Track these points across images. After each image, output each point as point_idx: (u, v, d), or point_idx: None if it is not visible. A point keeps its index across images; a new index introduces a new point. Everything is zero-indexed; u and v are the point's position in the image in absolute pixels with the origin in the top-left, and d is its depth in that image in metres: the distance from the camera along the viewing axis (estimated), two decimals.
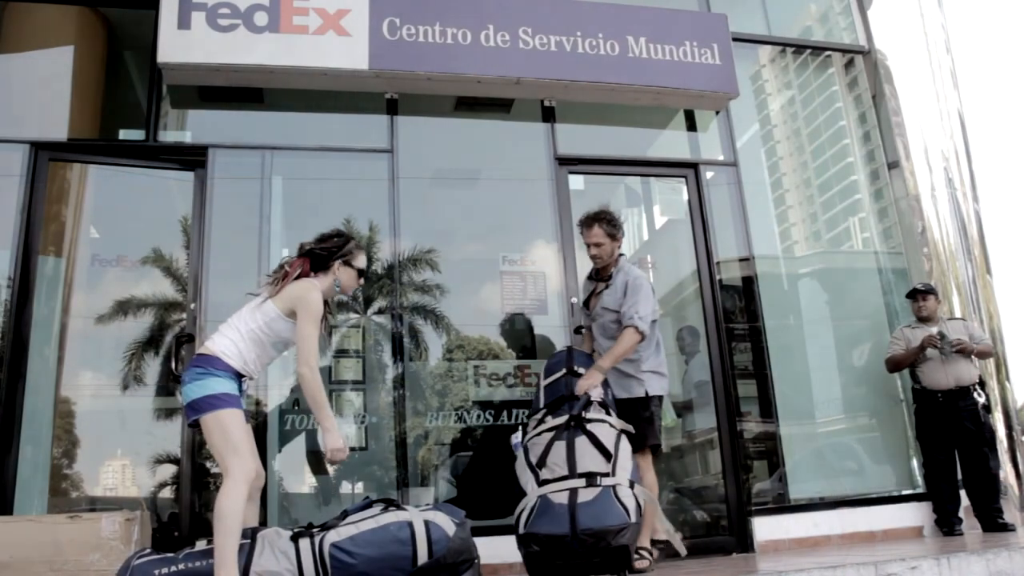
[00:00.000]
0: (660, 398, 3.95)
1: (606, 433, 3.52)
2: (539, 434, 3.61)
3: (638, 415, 3.80)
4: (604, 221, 3.95)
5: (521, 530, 3.38)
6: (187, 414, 2.87)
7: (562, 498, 3.32)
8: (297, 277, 3.06)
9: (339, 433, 2.92)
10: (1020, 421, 5.93)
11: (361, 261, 3.24)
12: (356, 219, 5.12)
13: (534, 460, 3.52)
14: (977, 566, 3.37)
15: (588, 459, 3.44)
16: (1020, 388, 7.02)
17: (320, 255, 3.14)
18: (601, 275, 4.06)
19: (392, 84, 5.04)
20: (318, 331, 2.97)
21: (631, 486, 3.34)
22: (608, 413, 3.63)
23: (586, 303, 4.16)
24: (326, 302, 3.11)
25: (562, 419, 3.59)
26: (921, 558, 3.32)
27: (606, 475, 3.36)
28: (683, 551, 3.67)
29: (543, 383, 3.89)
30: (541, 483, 3.45)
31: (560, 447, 3.49)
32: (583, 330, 4.37)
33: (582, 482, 3.36)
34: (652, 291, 3.97)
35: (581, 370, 3.74)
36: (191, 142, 5.01)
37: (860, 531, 4.98)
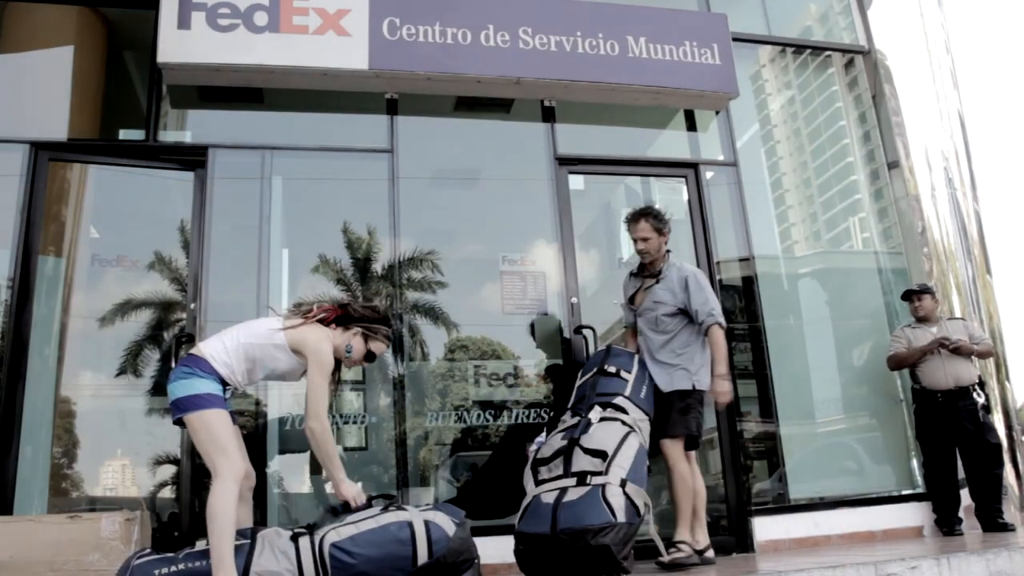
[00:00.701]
0: (703, 393, 3.95)
1: (610, 432, 3.54)
2: (556, 433, 3.72)
3: (672, 405, 3.84)
4: (651, 216, 4.04)
5: (516, 529, 3.45)
6: (172, 412, 2.88)
7: (550, 497, 3.38)
8: (320, 320, 3.06)
9: (350, 481, 3.00)
10: (1020, 421, 5.93)
11: (378, 348, 3.19)
12: (356, 219, 5.13)
13: (540, 459, 3.60)
14: (977, 566, 3.37)
15: (585, 458, 3.47)
16: (1020, 388, 7.01)
17: (351, 314, 3.14)
18: (648, 270, 4.13)
19: (392, 84, 5.04)
20: (327, 383, 2.97)
21: (623, 485, 3.31)
22: (625, 411, 3.70)
23: (631, 299, 4.19)
24: (338, 362, 3.11)
25: (578, 419, 3.71)
26: (921, 558, 3.32)
27: (598, 474, 3.37)
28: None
29: (577, 383, 4.08)
30: (539, 482, 3.52)
31: (563, 446, 3.56)
32: (626, 328, 4.38)
33: (573, 481, 3.40)
34: None
35: (612, 369, 3.91)
36: (191, 142, 5.01)
37: (860, 531, 4.98)
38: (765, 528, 4.79)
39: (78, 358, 4.81)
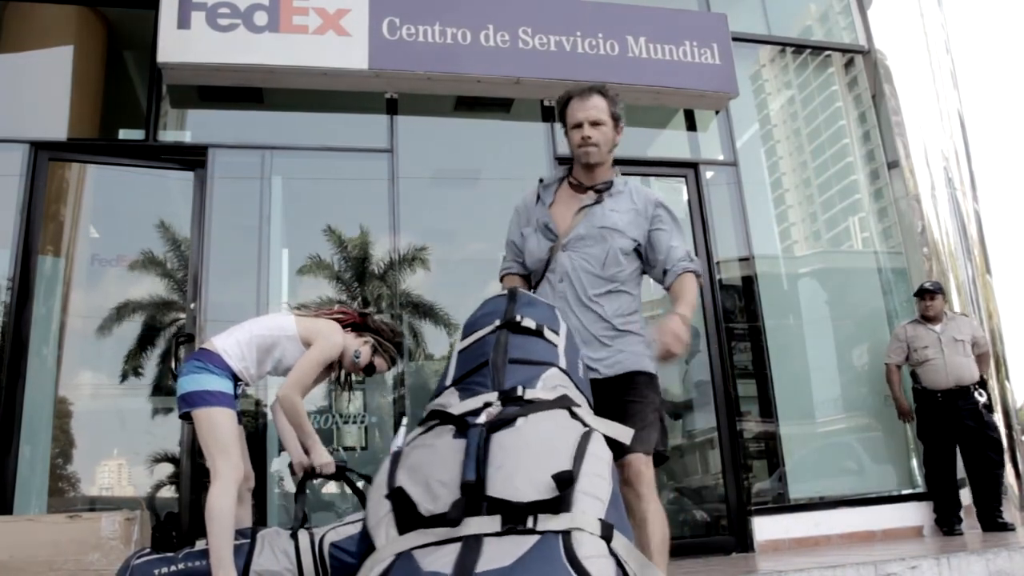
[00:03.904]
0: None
1: (559, 428, 1.67)
2: (429, 431, 1.49)
3: (623, 401, 2.43)
4: (605, 94, 2.65)
5: None
6: (179, 405, 2.88)
7: (442, 563, 1.23)
8: (336, 320, 3.09)
9: (323, 448, 3.00)
10: (1020, 421, 5.93)
11: (381, 365, 3.21)
12: (356, 219, 5.13)
13: (402, 479, 1.44)
14: (977, 566, 3.37)
15: (517, 476, 1.51)
16: (1020, 388, 7.02)
17: (368, 324, 3.16)
18: (586, 180, 2.64)
19: (392, 84, 5.04)
20: (320, 370, 2.99)
21: (607, 536, 1.22)
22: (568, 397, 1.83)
23: (546, 227, 2.61)
24: (344, 370, 3.15)
25: (478, 402, 1.58)
26: (921, 558, 3.33)
27: (552, 509, 1.26)
28: None
29: (460, 346, 1.87)
30: (406, 524, 1.56)
31: (455, 455, 1.39)
32: (506, 276, 2.75)
33: (493, 523, 1.30)
34: None
35: (530, 324, 1.76)
36: (191, 142, 5.01)
37: (860, 531, 4.98)
38: (765, 528, 4.79)
39: (77, 358, 4.81)
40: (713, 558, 4.48)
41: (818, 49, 6.47)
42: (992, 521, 4.90)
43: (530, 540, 1.09)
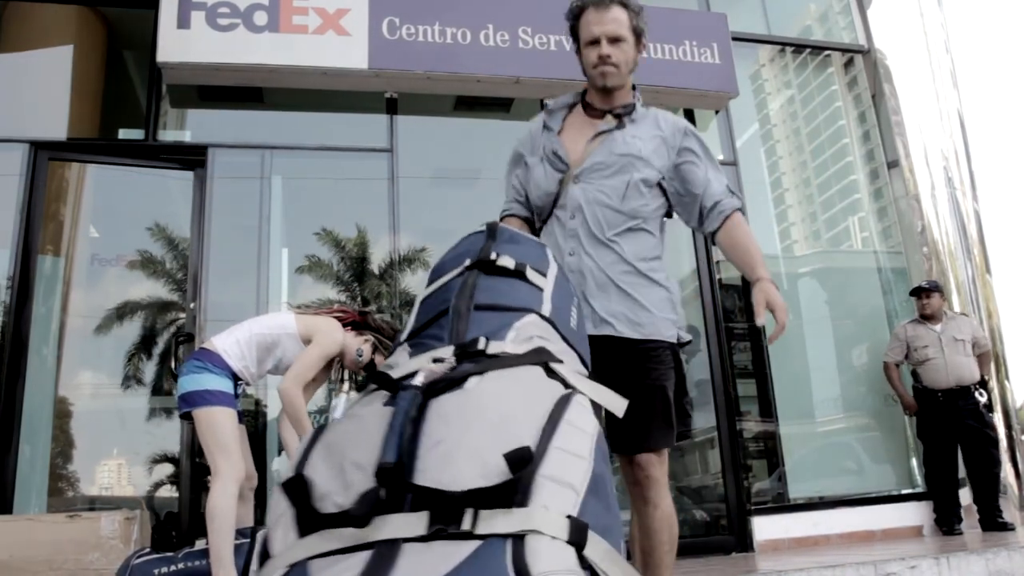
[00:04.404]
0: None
1: (528, 390, 0.99)
2: (364, 398, 1.02)
3: (637, 378, 1.98)
4: (627, 5, 2.22)
5: None
6: (179, 405, 2.88)
7: (350, 570, 0.75)
8: (336, 319, 3.10)
9: None
10: (1020, 421, 5.93)
11: (381, 363, 3.22)
12: (356, 219, 5.12)
13: (314, 463, 0.87)
14: (977, 566, 3.37)
15: (459, 456, 0.83)
16: (1020, 388, 7.01)
17: (368, 323, 3.17)
18: (603, 103, 2.24)
19: (392, 83, 5.04)
20: (320, 365, 2.99)
21: (577, 536, 0.78)
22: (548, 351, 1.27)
23: (556, 156, 2.16)
24: (346, 369, 3.16)
25: (426, 359, 1.06)
26: (921, 557, 3.33)
27: (501, 500, 0.77)
28: None
29: (423, 295, 1.36)
30: (308, 524, 0.83)
31: (380, 427, 0.86)
32: (506, 218, 2.29)
33: (416, 522, 0.76)
34: None
35: (506, 263, 1.29)
36: (191, 142, 5.01)
37: (860, 530, 4.98)
38: (765, 527, 4.79)
39: (77, 357, 4.81)
40: (713, 558, 4.48)
41: (818, 49, 6.47)
42: (992, 520, 4.90)
43: (466, 548, 0.72)
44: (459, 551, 0.73)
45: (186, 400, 2.85)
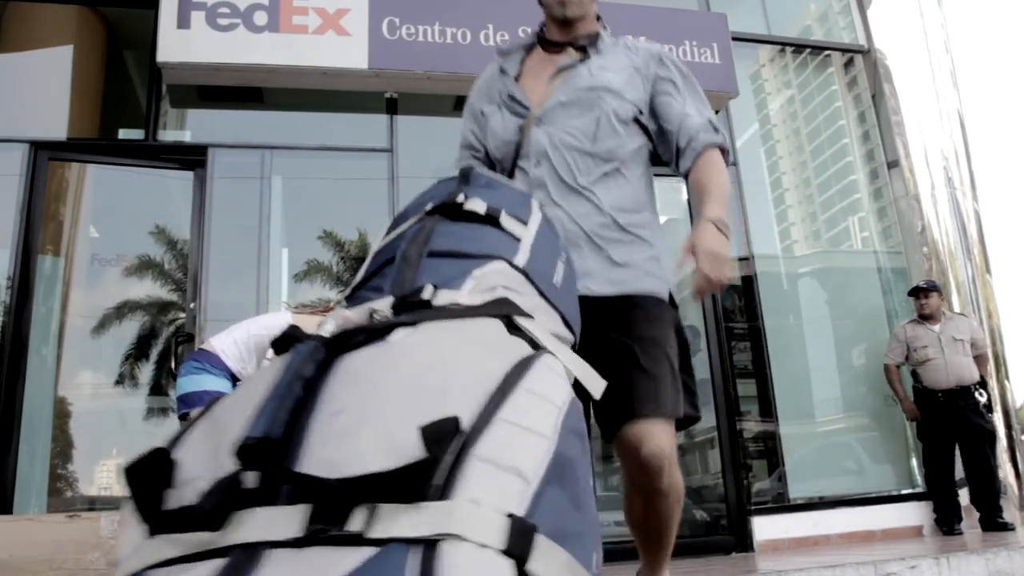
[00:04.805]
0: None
1: (475, 347, 0.73)
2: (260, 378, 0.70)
3: (630, 336, 1.65)
4: None
5: None
6: (178, 406, 2.88)
7: None
8: None
9: None
10: (1020, 421, 5.93)
11: None
12: (356, 219, 5.12)
13: (192, 442, 0.63)
14: (977, 565, 3.37)
15: (364, 431, 0.58)
16: (1020, 388, 7.02)
17: None
18: (561, 35, 1.98)
19: (392, 83, 5.04)
20: None
21: (518, 551, 0.54)
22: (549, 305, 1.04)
23: (512, 99, 1.88)
24: None
25: (361, 312, 0.81)
26: (921, 557, 3.32)
27: (410, 490, 0.54)
28: None
29: (377, 245, 1.10)
30: (154, 520, 0.58)
31: (265, 390, 0.62)
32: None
33: (289, 520, 0.52)
34: None
35: (475, 207, 1.04)
36: (191, 141, 5.01)
37: (859, 530, 4.98)
38: (765, 527, 4.79)
39: (77, 357, 4.81)
40: (713, 558, 4.48)
41: (818, 49, 6.47)
42: (992, 521, 4.90)
43: (352, 557, 0.51)
44: (342, 561, 0.51)
45: (184, 401, 2.85)
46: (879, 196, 6.18)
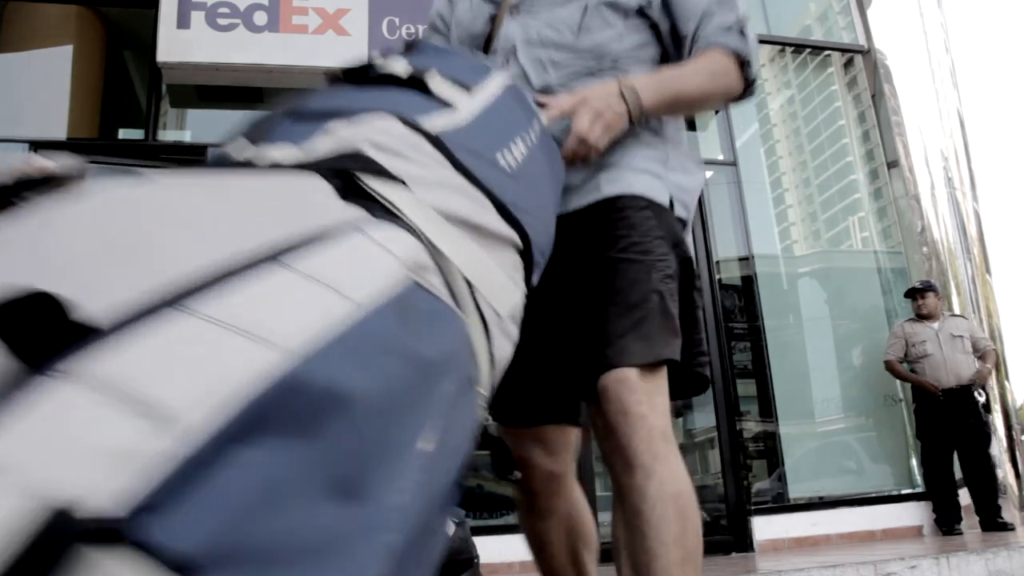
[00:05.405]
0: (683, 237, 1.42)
1: (229, 199, 0.56)
2: None
3: (614, 247, 1.25)
4: None
5: None
6: None
7: None
8: None
9: None
10: (1020, 421, 5.93)
11: None
12: None
13: None
14: (976, 565, 3.37)
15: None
16: (1020, 388, 7.03)
17: None
18: None
19: None
20: None
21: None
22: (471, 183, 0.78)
23: None
24: None
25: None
26: (920, 557, 3.33)
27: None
28: None
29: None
30: None
31: None
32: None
33: None
34: None
35: (395, 67, 0.88)
36: (191, 141, 5.01)
37: (859, 530, 4.98)
38: (764, 527, 4.79)
39: None
40: (712, 558, 4.48)
41: (817, 49, 6.47)
42: (991, 520, 4.90)
43: None
44: None
45: None
46: (879, 196, 6.18)
